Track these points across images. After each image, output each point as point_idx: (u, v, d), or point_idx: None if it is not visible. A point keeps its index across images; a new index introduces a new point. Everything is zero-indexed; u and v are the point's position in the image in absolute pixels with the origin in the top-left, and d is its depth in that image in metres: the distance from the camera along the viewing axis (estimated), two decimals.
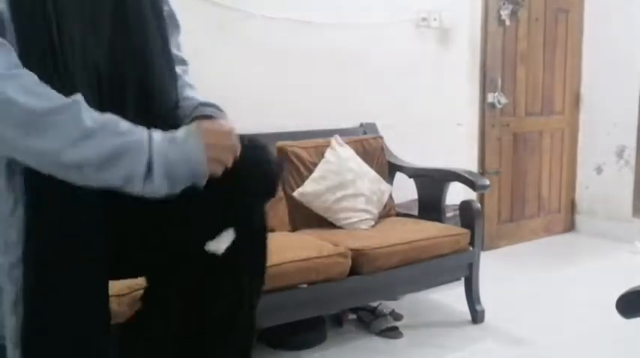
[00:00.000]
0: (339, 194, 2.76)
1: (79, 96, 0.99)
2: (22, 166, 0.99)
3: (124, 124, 1.02)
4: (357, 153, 2.95)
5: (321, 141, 2.93)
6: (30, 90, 0.95)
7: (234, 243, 1.19)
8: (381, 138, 3.17)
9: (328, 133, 2.98)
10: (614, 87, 4.15)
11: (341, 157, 2.86)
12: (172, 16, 1.37)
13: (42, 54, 1.00)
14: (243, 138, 1.17)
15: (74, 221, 1.04)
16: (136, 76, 1.19)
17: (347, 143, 2.95)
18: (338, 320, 2.77)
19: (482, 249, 2.90)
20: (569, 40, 4.30)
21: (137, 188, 1.03)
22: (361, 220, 2.77)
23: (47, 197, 1.01)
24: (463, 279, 2.78)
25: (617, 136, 4.19)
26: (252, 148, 1.18)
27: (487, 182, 2.84)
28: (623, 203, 4.20)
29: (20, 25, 0.98)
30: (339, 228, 2.76)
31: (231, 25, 2.89)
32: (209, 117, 1.24)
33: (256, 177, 1.17)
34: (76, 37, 1.06)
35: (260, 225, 1.30)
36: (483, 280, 2.79)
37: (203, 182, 1.09)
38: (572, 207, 4.52)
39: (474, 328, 2.74)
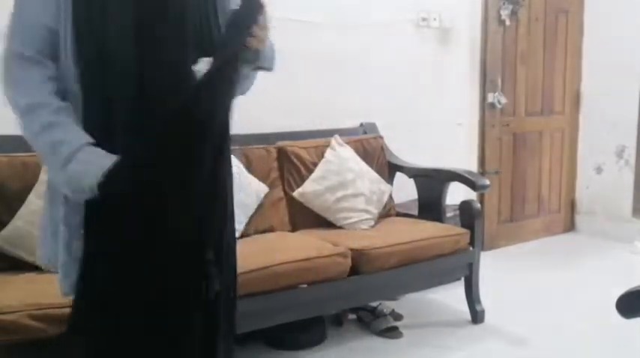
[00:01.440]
0: (339, 194, 2.76)
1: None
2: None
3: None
4: (357, 153, 2.95)
5: (321, 141, 2.93)
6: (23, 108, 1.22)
7: None
8: (381, 138, 3.17)
9: (328, 133, 2.98)
10: (614, 87, 4.15)
11: (341, 157, 2.86)
12: None
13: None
14: None
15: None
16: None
17: (347, 143, 2.95)
18: (338, 320, 2.77)
19: (483, 249, 2.91)
20: (569, 40, 4.30)
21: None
22: (361, 220, 2.77)
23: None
24: (463, 279, 2.78)
25: (617, 136, 4.19)
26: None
27: (487, 182, 2.84)
28: (623, 203, 4.20)
29: (78, 39, 1.19)
30: (339, 228, 2.76)
31: None
32: None
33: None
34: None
35: None
36: (483, 280, 2.79)
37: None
38: (572, 207, 4.52)
39: (474, 328, 2.74)
